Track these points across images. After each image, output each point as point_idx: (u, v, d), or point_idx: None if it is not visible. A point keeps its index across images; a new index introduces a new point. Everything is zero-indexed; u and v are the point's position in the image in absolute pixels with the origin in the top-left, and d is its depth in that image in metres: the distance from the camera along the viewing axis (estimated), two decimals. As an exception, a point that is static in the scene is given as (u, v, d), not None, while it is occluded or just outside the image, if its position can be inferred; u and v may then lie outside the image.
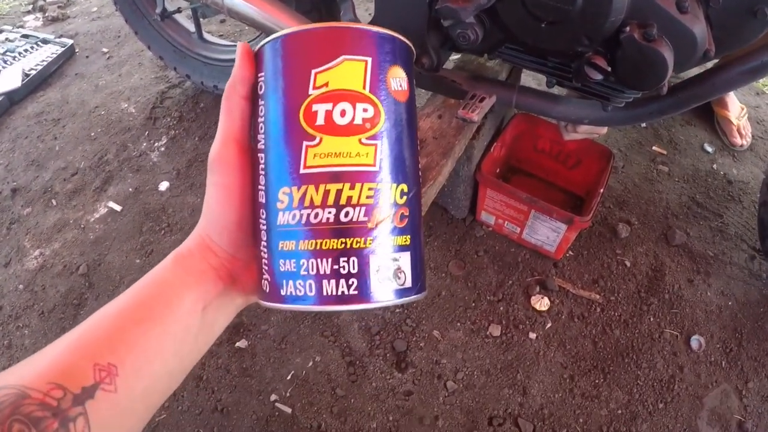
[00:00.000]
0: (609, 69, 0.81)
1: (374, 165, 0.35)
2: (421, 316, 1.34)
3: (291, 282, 0.35)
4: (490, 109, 1.29)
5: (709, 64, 0.86)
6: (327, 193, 0.34)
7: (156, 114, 1.91)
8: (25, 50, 2.15)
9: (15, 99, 2.00)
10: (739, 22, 0.78)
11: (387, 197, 0.36)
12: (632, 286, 1.39)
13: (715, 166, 1.68)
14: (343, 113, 0.35)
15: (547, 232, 1.34)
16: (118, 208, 1.63)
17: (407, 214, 0.37)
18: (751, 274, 1.42)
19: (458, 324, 1.33)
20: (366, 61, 0.36)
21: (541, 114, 1.07)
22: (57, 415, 0.32)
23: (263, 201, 0.37)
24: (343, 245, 0.34)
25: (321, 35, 0.36)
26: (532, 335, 1.31)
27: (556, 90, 1.02)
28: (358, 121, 0.35)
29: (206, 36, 1.73)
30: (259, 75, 0.38)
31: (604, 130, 1.22)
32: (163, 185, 1.68)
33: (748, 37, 0.79)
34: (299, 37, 0.36)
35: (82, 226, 1.60)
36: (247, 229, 0.41)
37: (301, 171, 0.35)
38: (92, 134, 1.86)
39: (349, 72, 0.35)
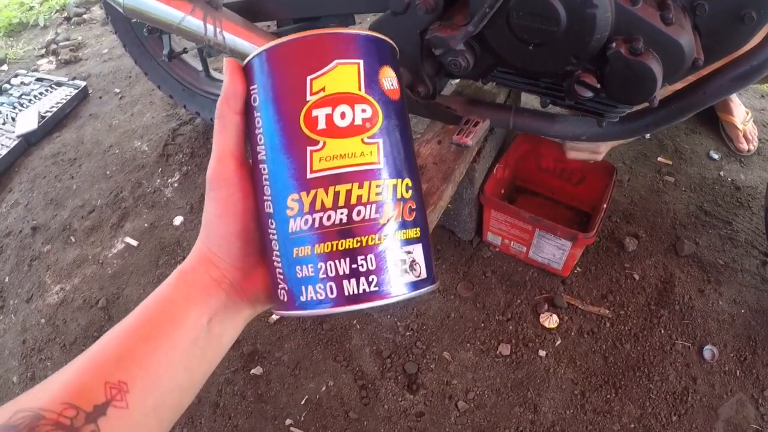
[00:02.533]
0: (599, 85, 0.82)
1: (378, 163, 0.36)
2: (431, 338, 1.36)
3: (310, 287, 0.35)
4: (491, 131, 1.31)
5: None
6: (337, 194, 0.35)
7: (168, 151, 1.95)
8: (40, 93, 2.22)
9: (32, 141, 2.06)
10: (727, 28, 0.78)
11: (394, 192, 0.37)
12: (642, 299, 1.39)
13: (722, 173, 1.67)
14: (343, 115, 0.36)
15: (553, 250, 1.35)
16: (134, 243, 1.67)
17: (414, 207, 0.38)
18: (764, 280, 1.40)
19: (468, 344, 1.34)
20: (358, 64, 0.37)
21: (539, 133, 1.09)
22: None
23: (270, 211, 0.37)
24: (359, 244, 0.35)
25: (311, 43, 0.37)
26: (542, 353, 1.31)
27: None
28: (358, 121, 0.36)
29: (213, 74, 1.77)
30: (251, 88, 0.39)
31: (600, 155, 1.24)
32: (178, 220, 1.72)
33: (737, 42, 0.80)
34: (289, 46, 0.37)
35: (101, 261, 1.64)
36: (246, 240, 0.41)
37: (309, 176, 0.35)
38: (107, 172, 1.91)
39: (343, 75, 0.36)
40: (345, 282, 0.35)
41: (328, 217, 0.35)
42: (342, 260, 0.35)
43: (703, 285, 1.41)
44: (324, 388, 1.30)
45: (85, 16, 2.86)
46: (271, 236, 0.38)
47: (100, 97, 2.26)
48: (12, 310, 1.58)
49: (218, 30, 1.17)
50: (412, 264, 0.36)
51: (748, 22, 0.76)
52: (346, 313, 0.35)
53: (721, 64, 0.85)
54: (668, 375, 1.26)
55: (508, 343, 1.33)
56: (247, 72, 0.39)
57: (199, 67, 1.75)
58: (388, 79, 0.39)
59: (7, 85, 2.30)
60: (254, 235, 0.42)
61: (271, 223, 0.38)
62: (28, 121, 2.06)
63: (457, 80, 1.39)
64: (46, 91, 2.24)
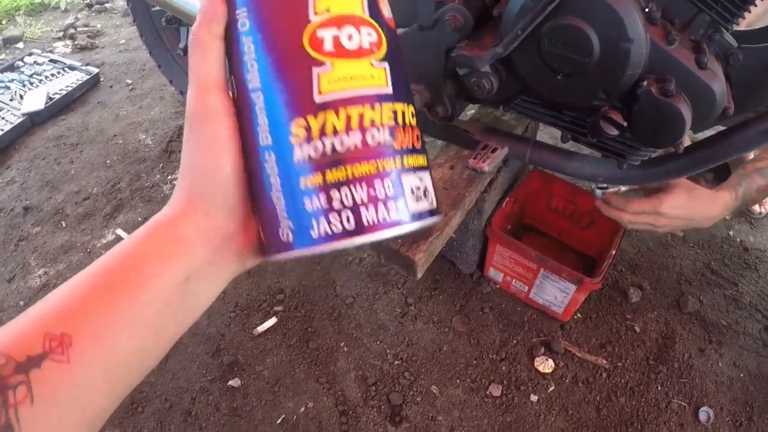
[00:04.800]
0: (625, 124, 0.79)
1: (387, 87, 0.34)
2: (420, 370, 1.31)
3: (323, 219, 0.32)
4: (504, 163, 1.28)
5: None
6: (349, 117, 0.33)
7: (172, 147, 1.93)
8: (52, 75, 2.21)
9: (37, 120, 2.04)
10: (759, 79, 0.76)
11: (404, 117, 0.35)
12: (641, 352, 1.35)
13: (731, 232, 1.65)
14: (350, 37, 0.34)
15: (555, 293, 1.31)
16: (125, 235, 1.63)
17: (420, 135, 0.37)
18: (765, 345, 1.37)
19: (458, 381, 1.30)
20: None
21: (556, 170, 1.06)
22: None
23: (269, 142, 0.34)
24: (376, 169, 0.33)
25: None
26: (534, 397, 1.27)
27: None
28: (365, 44, 0.34)
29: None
30: (238, 12, 0.35)
31: (661, 229, 1.08)
32: (173, 217, 1.67)
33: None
34: None
35: (89, 250, 1.60)
36: (242, 182, 0.36)
37: (317, 99, 0.33)
38: (108, 162, 1.88)
39: None
40: (363, 210, 0.32)
41: (341, 142, 0.32)
42: (358, 186, 0.32)
43: (704, 344, 1.38)
44: (303, 409, 1.25)
45: (106, 5, 2.87)
46: (268, 170, 0.34)
47: (111, 86, 2.25)
48: (-9, 288, 1.54)
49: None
50: (425, 191, 0.35)
51: (781, 76, 0.74)
52: (365, 243, 0.32)
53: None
54: (662, 434, 1.22)
55: (500, 384, 1.29)
56: None
57: (214, 66, 1.73)
58: (387, 6, 0.37)
59: (20, 62, 2.29)
60: (246, 178, 0.37)
61: (269, 156, 0.34)
62: (35, 101, 2.05)
63: (474, 109, 1.36)
64: (58, 73, 2.23)
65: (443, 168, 1.18)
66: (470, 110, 1.36)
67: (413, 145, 0.35)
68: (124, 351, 0.34)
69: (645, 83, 0.74)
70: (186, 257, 0.36)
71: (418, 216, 0.34)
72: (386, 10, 0.37)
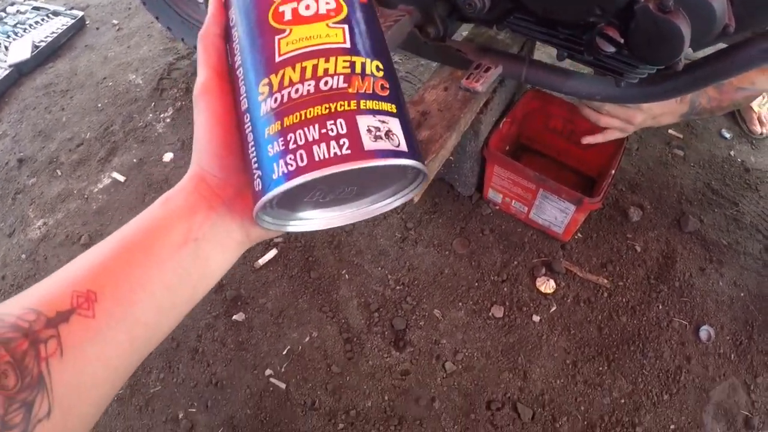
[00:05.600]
0: (622, 41, 0.77)
1: (345, 42, 0.37)
2: (422, 294, 1.32)
3: (282, 161, 0.35)
4: (500, 83, 1.25)
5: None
6: (304, 69, 0.36)
7: (163, 85, 1.89)
8: (36, 22, 2.14)
9: (24, 71, 1.99)
10: None
11: (363, 68, 0.37)
12: (642, 272, 1.36)
13: (732, 152, 1.63)
14: (307, 7, 0.38)
15: (555, 213, 1.30)
16: (121, 178, 1.61)
17: (387, 86, 0.38)
18: (766, 265, 1.37)
19: (460, 304, 1.30)
20: None
21: (552, 88, 1.03)
22: (27, 336, 0.32)
23: (246, 106, 0.38)
24: (327, 110, 0.35)
25: None
26: (536, 318, 1.28)
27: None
28: (322, 11, 0.38)
29: (214, 7, 1.70)
30: (230, 12, 0.42)
31: (632, 128, 1.18)
32: (168, 156, 1.66)
33: None
34: None
35: (86, 196, 1.59)
36: (236, 152, 0.40)
37: (276, 60, 0.37)
38: (99, 105, 1.85)
39: None
40: (315, 147, 0.34)
41: (296, 90, 0.36)
42: (311, 127, 0.35)
43: (704, 263, 1.38)
44: (307, 339, 1.27)
45: (87, -53, 2.76)
46: (247, 131, 0.38)
47: (97, 28, 2.19)
48: (-7, 244, 1.54)
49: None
50: (388, 133, 0.36)
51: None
52: (320, 178, 0.33)
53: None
54: (663, 352, 1.24)
55: (502, 306, 1.30)
56: (226, 2, 0.43)
57: None
58: None
59: (2, 13, 2.22)
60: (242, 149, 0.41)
61: (246, 118, 0.38)
62: (21, 51, 2.00)
63: (468, 29, 1.32)
64: (42, 20, 2.16)
65: (437, 89, 1.15)
66: (464, 31, 1.32)
67: (375, 91, 0.37)
68: (142, 306, 0.37)
69: (642, -2, 0.71)
70: (191, 218, 0.40)
71: (376, 154, 0.34)
72: None
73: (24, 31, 2.10)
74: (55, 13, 2.19)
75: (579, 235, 1.41)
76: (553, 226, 1.35)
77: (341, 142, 0.34)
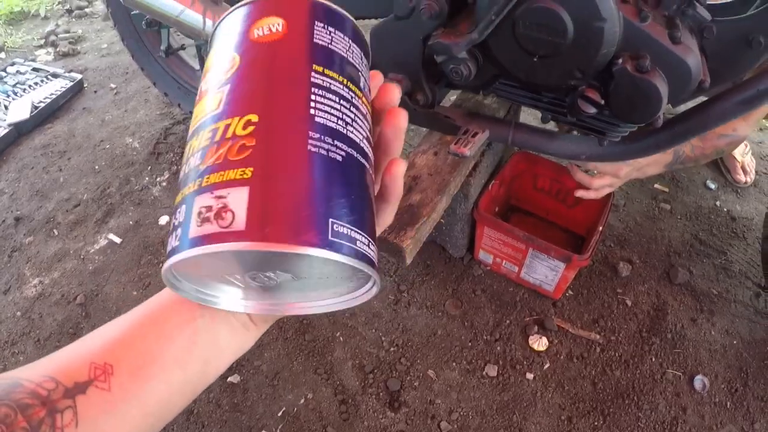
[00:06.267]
0: (603, 102, 0.80)
1: (218, 107, 0.33)
2: (416, 355, 1.32)
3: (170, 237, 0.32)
4: (488, 146, 1.29)
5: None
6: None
7: (159, 149, 1.92)
8: (35, 83, 2.19)
9: (23, 130, 2.02)
10: (734, 52, 0.77)
11: (224, 133, 0.31)
12: (633, 325, 1.37)
13: (718, 203, 1.66)
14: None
15: (545, 271, 1.32)
16: (118, 240, 1.63)
17: (252, 143, 0.31)
18: (757, 311, 1.39)
19: (454, 364, 1.31)
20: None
21: (538, 150, 1.07)
22: (45, 405, 0.33)
23: None
24: (181, 196, 0.31)
25: None
26: (530, 375, 1.28)
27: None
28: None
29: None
30: None
31: (620, 181, 1.22)
32: (163, 219, 1.68)
33: (743, 67, 0.79)
34: None
35: (82, 256, 1.60)
36: None
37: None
38: (96, 167, 1.88)
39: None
40: (170, 237, 0.31)
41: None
42: (176, 212, 0.31)
43: (695, 314, 1.39)
44: (302, 401, 1.27)
45: (86, 10, 2.84)
46: None
47: (95, 92, 2.23)
48: (-12, 301, 1.53)
49: (217, 26, 1.15)
50: (220, 211, 0.29)
51: (755, 47, 0.75)
52: (166, 268, 0.31)
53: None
54: (658, 404, 1.24)
55: (495, 364, 1.30)
56: None
57: (197, 66, 1.73)
58: (261, 28, 0.35)
59: (2, 73, 2.27)
60: None
61: None
62: (20, 110, 2.03)
63: (456, 94, 1.37)
64: (42, 81, 2.21)
65: (427, 154, 1.19)
66: (452, 96, 1.36)
67: (226, 158, 0.30)
68: (154, 382, 0.37)
69: (620, 60, 0.75)
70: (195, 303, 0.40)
71: (197, 241, 0.29)
72: (259, 30, 0.35)
73: (23, 92, 2.14)
74: (55, 75, 2.24)
75: (570, 292, 1.43)
76: (544, 284, 1.37)
77: (177, 233, 0.30)
